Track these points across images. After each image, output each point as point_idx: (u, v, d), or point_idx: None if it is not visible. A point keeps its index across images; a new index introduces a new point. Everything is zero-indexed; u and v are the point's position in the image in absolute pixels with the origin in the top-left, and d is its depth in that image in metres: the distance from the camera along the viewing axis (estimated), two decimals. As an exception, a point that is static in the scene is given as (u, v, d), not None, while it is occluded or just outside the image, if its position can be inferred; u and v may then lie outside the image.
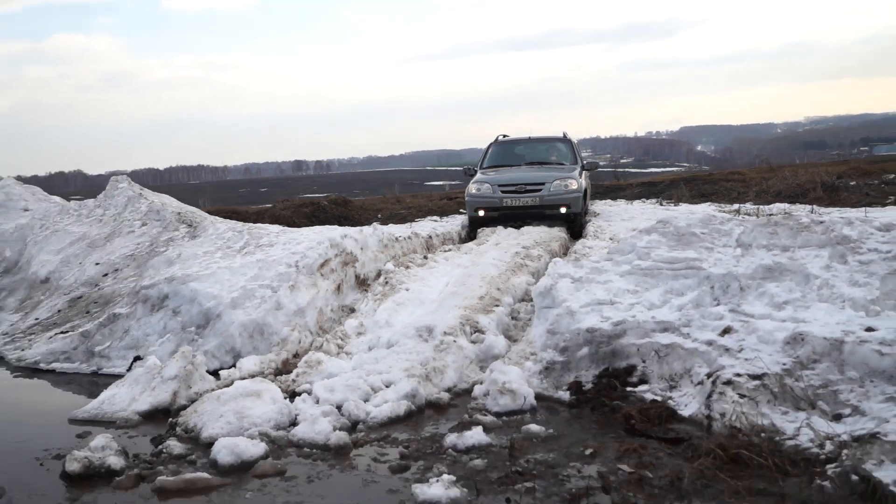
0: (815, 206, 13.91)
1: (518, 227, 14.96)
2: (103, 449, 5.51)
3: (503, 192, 15.56)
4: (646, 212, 18.12)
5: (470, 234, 16.07)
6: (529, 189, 15.38)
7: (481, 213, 15.73)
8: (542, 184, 15.39)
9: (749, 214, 11.98)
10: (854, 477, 4.49)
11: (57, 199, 17.51)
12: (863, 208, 11.53)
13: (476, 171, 17.45)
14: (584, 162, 17.87)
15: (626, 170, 66.53)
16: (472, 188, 16.17)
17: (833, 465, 4.70)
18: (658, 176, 33.28)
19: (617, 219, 17.49)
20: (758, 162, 33.79)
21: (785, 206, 15.24)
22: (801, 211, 11.83)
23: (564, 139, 18.39)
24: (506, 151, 18.39)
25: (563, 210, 15.17)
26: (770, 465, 4.79)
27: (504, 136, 19.08)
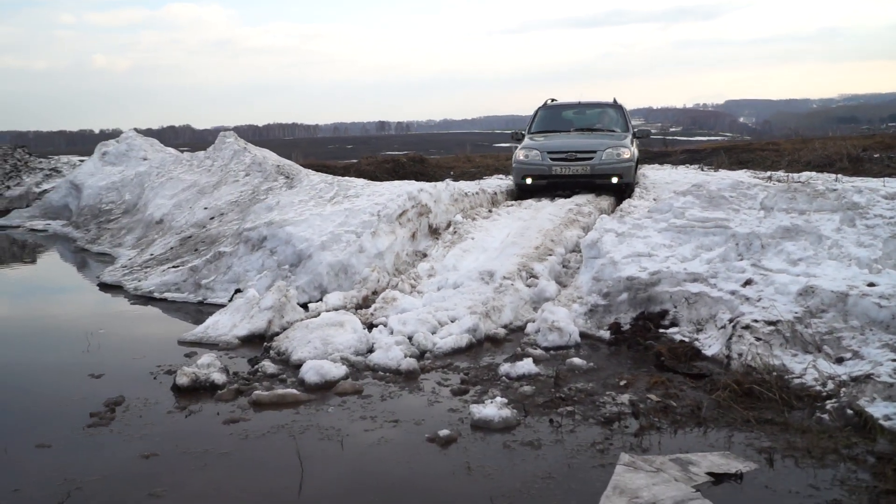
0: (839, 176, 13.67)
1: (568, 196, 13.23)
2: (208, 366, 5.81)
3: (552, 159, 13.41)
4: (687, 176, 16.76)
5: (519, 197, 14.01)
6: (580, 157, 13.29)
7: (529, 180, 13.64)
8: (594, 152, 13.31)
9: (780, 181, 11.84)
10: (849, 411, 4.63)
11: (171, 150, 17.95)
12: (882, 178, 11.38)
13: (524, 136, 15.14)
14: (635, 129, 15.46)
15: (675, 137, 65.39)
16: (520, 154, 13.92)
17: (832, 401, 4.83)
18: (702, 144, 32.73)
19: (661, 182, 15.91)
20: (793, 134, 33.11)
21: (813, 174, 14.95)
22: (826, 179, 11.68)
23: (615, 105, 15.91)
24: (555, 116, 15.89)
25: (614, 180, 13.26)
26: (778, 399, 4.94)
27: (553, 100, 16.51)
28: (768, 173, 15.19)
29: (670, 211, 8.28)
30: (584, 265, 7.98)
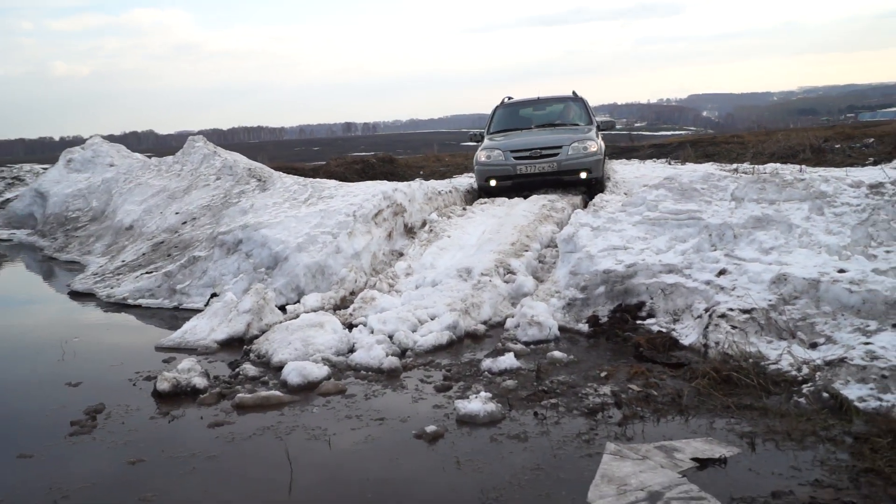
0: (803, 166, 13.89)
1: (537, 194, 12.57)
2: (189, 371, 5.82)
3: (516, 158, 12.77)
4: (656, 170, 16.84)
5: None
6: (545, 154, 12.66)
7: (493, 182, 12.92)
8: (559, 147, 12.69)
9: (746, 173, 11.93)
10: (825, 394, 4.73)
11: (139, 155, 17.87)
12: (844, 168, 11.62)
13: (483, 137, 14.46)
14: (599, 122, 14.75)
15: (640, 132, 65.87)
16: (481, 155, 13.17)
17: (808, 385, 4.93)
18: (668, 138, 33.03)
19: (631, 176, 15.73)
20: (756, 127, 33.52)
21: (778, 165, 15.13)
22: (791, 170, 11.89)
23: (576, 98, 15.35)
24: (514, 114, 15.24)
25: (583, 175, 12.64)
26: (755, 385, 5.03)
27: (510, 97, 15.93)
28: (734, 165, 15.35)
29: (644, 204, 8.38)
30: (561, 259, 8.05)
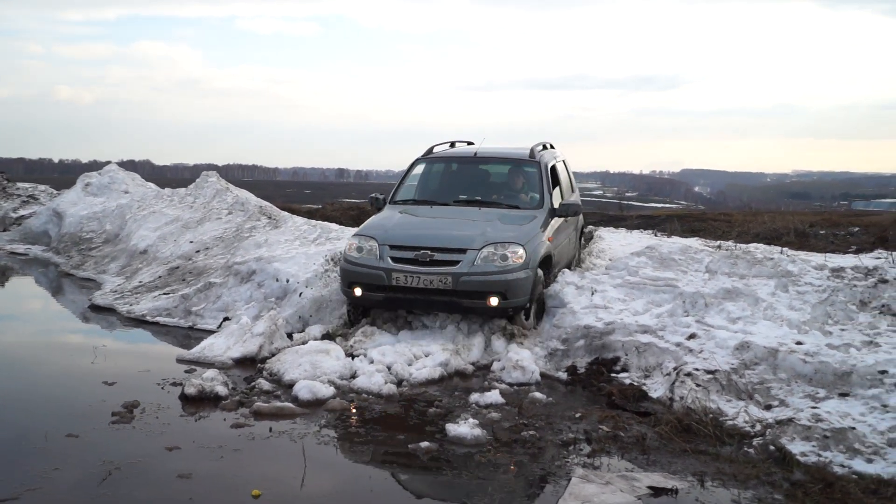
0: (784, 249, 14.25)
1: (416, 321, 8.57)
2: (212, 380, 6.49)
3: (395, 259, 8.06)
4: (642, 240, 16.26)
5: (352, 319, 8.78)
6: (438, 260, 7.97)
7: (358, 291, 8.21)
8: (462, 251, 7.98)
9: (728, 250, 12.16)
10: (772, 447, 5.38)
11: (152, 185, 18.47)
12: (825, 254, 12.08)
13: (385, 204, 9.82)
14: (562, 202, 9.59)
15: (630, 203, 66.66)
16: (352, 245, 8.43)
17: (758, 439, 5.58)
18: (657, 210, 33.76)
19: (616, 244, 15.48)
20: (745, 206, 34.24)
21: (760, 246, 15.19)
22: (770, 251, 12.46)
23: (532, 161, 9.69)
24: (438, 174, 10.27)
25: (493, 301, 7.83)
26: (712, 435, 5.66)
27: (451, 143, 10.84)
28: (718, 242, 15.58)
29: (625, 269, 9.03)
30: (546, 313, 8.65)
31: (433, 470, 5.05)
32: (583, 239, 12.38)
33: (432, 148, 10.36)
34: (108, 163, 19.51)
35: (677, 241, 12.68)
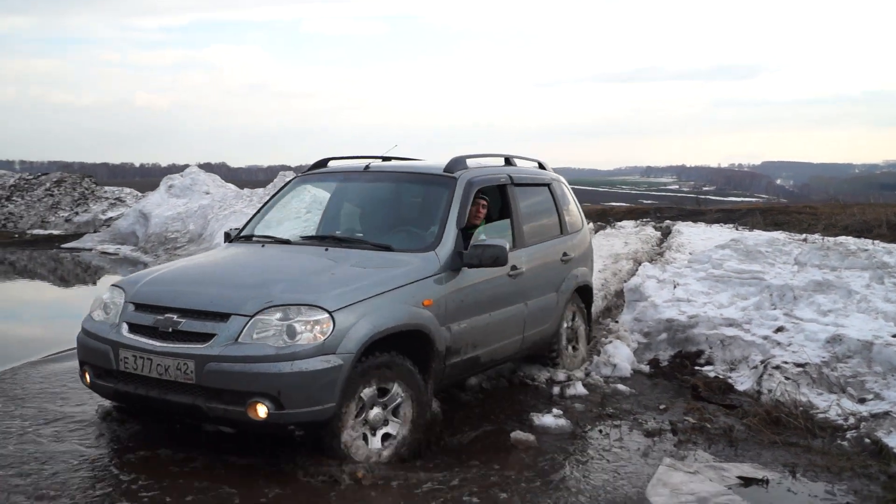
0: (876, 241, 13.81)
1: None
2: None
3: (131, 325, 4.81)
4: (723, 234, 16.81)
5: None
6: (185, 331, 4.58)
7: (88, 376, 4.97)
8: (225, 316, 4.53)
9: (814, 243, 11.77)
10: (867, 440, 5.27)
11: (232, 186, 18.92)
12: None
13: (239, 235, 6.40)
14: (477, 243, 5.41)
15: (708, 197, 65.60)
16: (100, 301, 5.20)
17: (852, 432, 5.46)
18: (737, 204, 33.15)
19: (696, 238, 16.09)
20: (832, 199, 33.07)
21: (850, 239, 14.66)
22: (860, 242, 12.06)
23: (443, 178, 5.96)
24: (301, 199, 7.87)
25: (259, 411, 4.27)
26: (803, 428, 5.57)
27: (372, 161, 6.66)
28: (803, 235, 15.17)
29: (709, 262, 8.94)
30: (627, 307, 8.62)
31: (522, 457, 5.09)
32: (590, 320, 7.81)
33: (324, 161, 7.06)
34: (187, 166, 20.00)
35: (762, 235, 12.39)
